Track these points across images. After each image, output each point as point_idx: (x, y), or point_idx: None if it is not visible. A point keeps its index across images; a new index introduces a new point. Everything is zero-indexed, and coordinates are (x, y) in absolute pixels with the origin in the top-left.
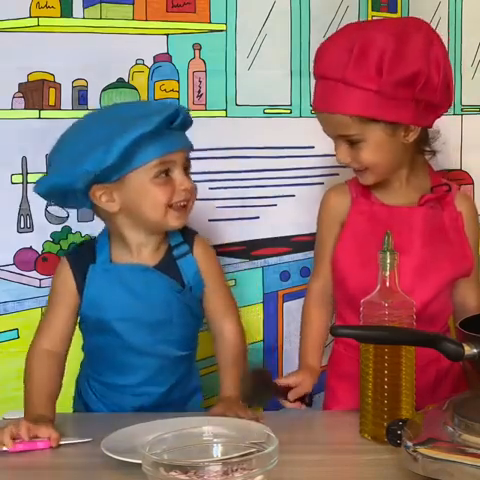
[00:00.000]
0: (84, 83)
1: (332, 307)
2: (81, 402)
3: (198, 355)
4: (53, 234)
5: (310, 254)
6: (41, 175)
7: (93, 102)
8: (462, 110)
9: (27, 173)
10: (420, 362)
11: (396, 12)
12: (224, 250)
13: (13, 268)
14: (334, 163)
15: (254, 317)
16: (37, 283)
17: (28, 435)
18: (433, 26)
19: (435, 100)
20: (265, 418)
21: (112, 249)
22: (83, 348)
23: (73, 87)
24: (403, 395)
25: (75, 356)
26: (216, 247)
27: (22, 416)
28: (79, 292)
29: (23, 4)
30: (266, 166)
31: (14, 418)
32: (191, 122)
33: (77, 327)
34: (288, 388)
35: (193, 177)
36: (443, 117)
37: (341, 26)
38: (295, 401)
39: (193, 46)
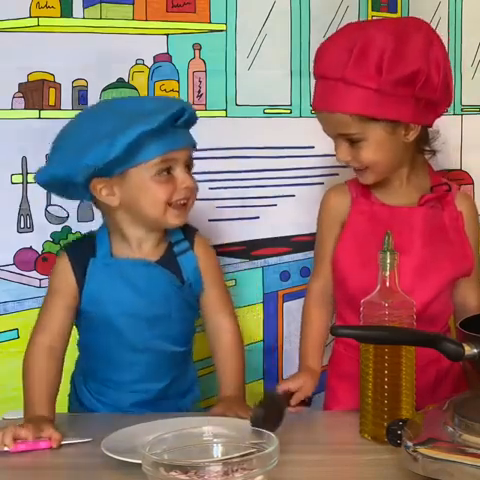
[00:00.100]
0: (84, 83)
1: (332, 307)
2: (76, 400)
3: (196, 356)
4: (53, 234)
5: (310, 254)
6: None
7: (93, 102)
8: (462, 110)
9: (27, 173)
10: (420, 362)
11: (396, 12)
12: (224, 250)
13: (13, 268)
14: (334, 163)
15: (254, 317)
16: (37, 283)
17: (32, 437)
18: (433, 26)
19: (435, 99)
20: None
21: (112, 243)
22: (79, 345)
23: (73, 87)
24: (403, 395)
25: (69, 354)
26: (216, 247)
27: (21, 416)
28: (79, 286)
29: (23, 4)
30: (266, 166)
31: (14, 418)
32: (196, 119)
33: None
34: (289, 393)
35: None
36: (443, 117)
37: (341, 26)
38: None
39: (193, 46)
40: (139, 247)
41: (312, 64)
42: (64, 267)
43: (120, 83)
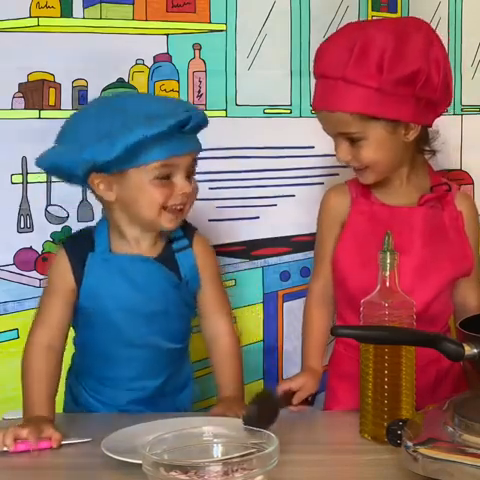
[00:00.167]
0: (84, 83)
1: (333, 307)
2: (71, 398)
3: (194, 357)
4: (53, 234)
5: (310, 254)
6: (41, 173)
7: None
8: (462, 110)
9: (27, 173)
10: (420, 362)
11: (396, 12)
12: (224, 250)
13: (13, 268)
14: (334, 163)
15: (254, 317)
16: (37, 283)
17: (34, 440)
18: (433, 26)
19: (435, 98)
20: None
21: (111, 239)
22: (74, 342)
23: (73, 87)
24: (403, 395)
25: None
26: (216, 247)
27: (21, 416)
28: (77, 282)
29: (23, 4)
30: (266, 166)
31: (14, 418)
32: (206, 124)
33: None
34: (290, 392)
35: None
36: (443, 117)
37: (341, 26)
38: (298, 404)
39: (193, 46)
40: (137, 244)
41: (312, 64)
42: (62, 262)
43: (120, 83)
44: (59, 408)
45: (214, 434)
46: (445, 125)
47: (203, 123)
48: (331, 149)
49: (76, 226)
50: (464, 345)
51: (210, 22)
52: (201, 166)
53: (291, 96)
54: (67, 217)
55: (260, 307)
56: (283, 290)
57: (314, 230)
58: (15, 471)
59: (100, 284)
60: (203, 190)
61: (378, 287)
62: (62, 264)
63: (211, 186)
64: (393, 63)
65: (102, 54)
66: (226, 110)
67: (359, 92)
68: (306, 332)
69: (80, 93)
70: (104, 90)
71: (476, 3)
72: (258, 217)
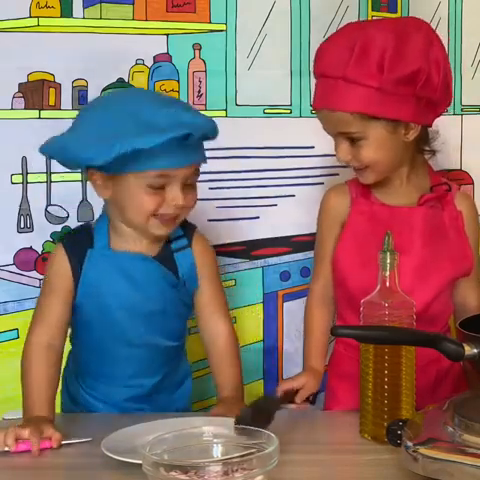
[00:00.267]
0: (84, 83)
1: (334, 307)
2: (68, 396)
3: (191, 358)
4: (53, 234)
5: (310, 254)
6: (41, 174)
7: None
8: (462, 110)
9: (27, 173)
10: (420, 362)
11: (396, 12)
12: (224, 250)
13: (13, 268)
14: (334, 163)
15: (254, 317)
16: (37, 283)
17: (36, 441)
18: (433, 26)
19: (435, 98)
20: None
21: (111, 236)
22: (71, 340)
23: (73, 87)
24: (403, 395)
25: None
26: (216, 247)
27: (21, 416)
28: (75, 278)
29: (23, 4)
30: (266, 166)
31: (14, 418)
32: (214, 134)
33: None
34: (293, 391)
35: None
36: (443, 117)
37: (341, 26)
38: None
39: (193, 46)
40: (136, 242)
41: (312, 64)
42: (60, 260)
43: (120, 83)
44: (57, 407)
45: (214, 434)
46: (445, 125)
47: (210, 134)
48: (331, 149)
49: (76, 226)
50: (464, 345)
51: (210, 22)
52: (201, 166)
53: (291, 96)
54: (67, 217)
55: (260, 307)
56: (283, 290)
57: (314, 230)
58: (15, 471)
59: (99, 280)
60: (203, 190)
61: (378, 287)
62: (60, 262)
63: (211, 186)
64: (394, 63)
65: (102, 54)
66: (226, 110)
67: (359, 92)
68: (307, 332)
69: (80, 93)
70: (104, 90)
71: (476, 3)
72: (258, 217)
